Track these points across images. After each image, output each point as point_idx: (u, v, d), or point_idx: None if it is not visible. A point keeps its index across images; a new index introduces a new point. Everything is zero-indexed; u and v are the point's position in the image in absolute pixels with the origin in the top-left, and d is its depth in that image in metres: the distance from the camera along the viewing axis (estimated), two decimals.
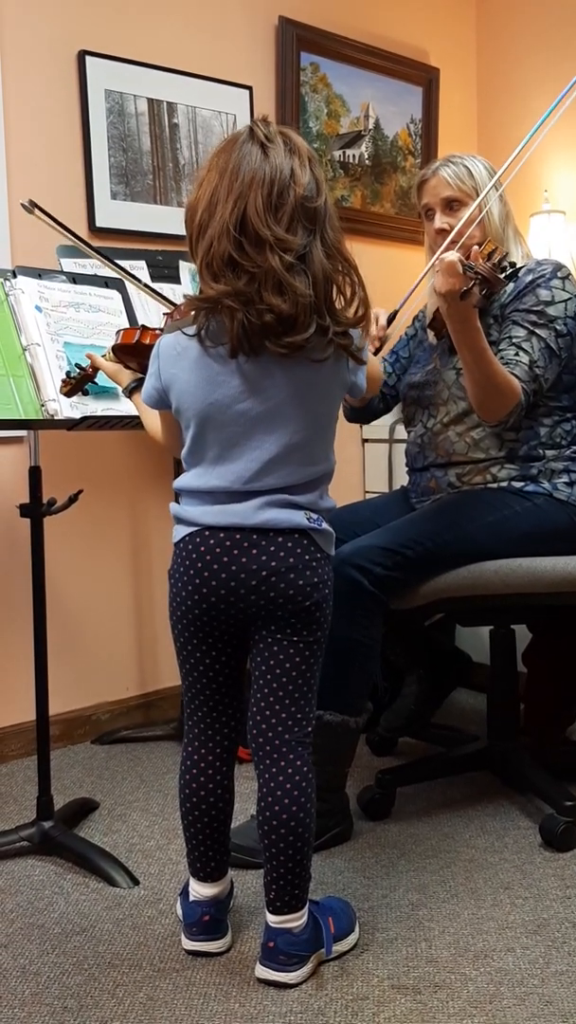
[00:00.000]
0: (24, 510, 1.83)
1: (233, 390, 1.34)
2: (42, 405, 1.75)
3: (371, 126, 2.99)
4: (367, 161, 3.00)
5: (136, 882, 1.74)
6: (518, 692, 2.15)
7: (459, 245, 1.84)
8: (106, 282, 2.05)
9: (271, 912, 1.43)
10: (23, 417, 1.74)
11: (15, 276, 1.85)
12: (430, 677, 2.38)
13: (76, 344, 1.87)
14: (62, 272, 2.01)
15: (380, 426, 2.87)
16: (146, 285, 2.05)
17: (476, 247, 1.68)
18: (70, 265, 2.14)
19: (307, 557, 1.39)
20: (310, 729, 1.45)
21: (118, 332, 1.63)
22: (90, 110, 2.40)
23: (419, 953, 1.50)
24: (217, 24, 2.64)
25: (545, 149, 3.04)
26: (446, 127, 3.18)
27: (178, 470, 1.48)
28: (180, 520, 1.43)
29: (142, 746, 2.45)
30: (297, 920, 1.43)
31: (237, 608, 1.39)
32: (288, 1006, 1.37)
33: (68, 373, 1.76)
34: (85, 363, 1.73)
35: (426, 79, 3.09)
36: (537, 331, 1.88)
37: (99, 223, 2.44)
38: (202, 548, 1.38)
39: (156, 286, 2.21)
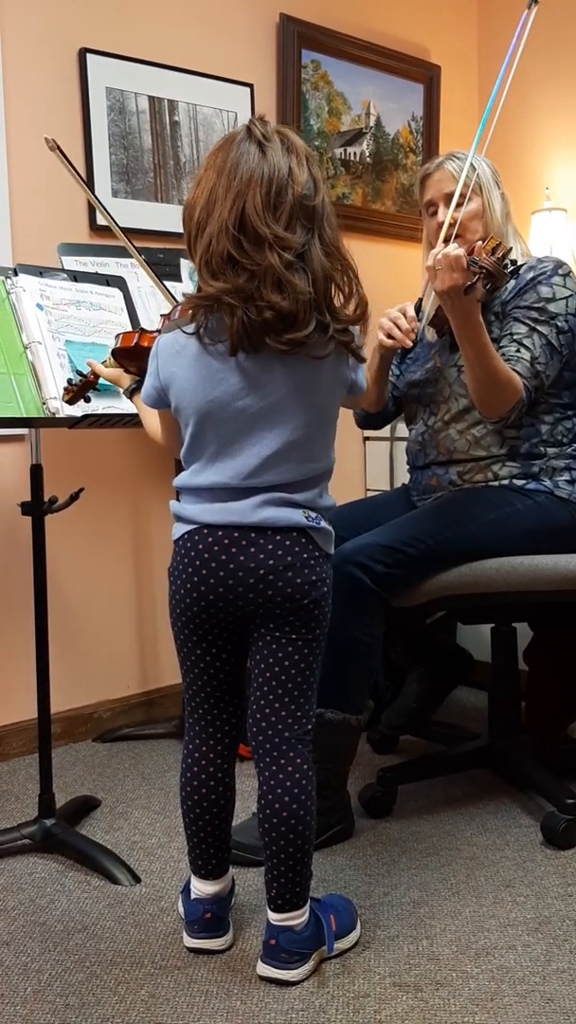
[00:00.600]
0: (25, 508, 1.83)
1: (232, 387, 1.34)
2: (43, 403, 1.75)
3: (372, 124, 2.99)
4: (368, 159, 2.99)
5: (138, 880, 1.75)
6: (519, 690, 2.15)
7: (453, 238, 1.83)
8: (107, 280, 2.05)
9: (272, 910, 1.44)
10: (24, 415, 1.74)
11: (16, 274, 1.85)
12: (431, 675, 2.38)
13: (77, 342, 1.87)
14: (63, 270, 2.01)
15: None
16: (151, 268, 2.04)
17: (480, 242, 1.68)
18: (71, 263, 2.14)
19: (305, 555, 1.39)
20: (310, 727, 1.45)
21: (117, 336, 1.64)
22: (91, 108, 2.40)
23: (420, 951, 1.50)
24: (218, 22, 2.63)
25: (546, 147, 3.04)
26: (447, 125, 3.17)
27: (179, 468, 1.48)
28: (179, 518, 1.43)
29: (143, 744, 2.45)
30: (298, 918, 1.43)
31: (236, 606, 1.39)
32: (289, 1004, 1.38)
33: (69, 380, 1.77)
34: (85, 366, 1.73)
35: (427, 76, 3.09)
36: (538, 328, 1.88)
37: (100, 221, 2.43)
38: (200, 546, 1.39)
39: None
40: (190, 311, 1.34)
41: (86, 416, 1.78)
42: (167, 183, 2.56)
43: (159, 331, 1.46)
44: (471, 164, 1.93)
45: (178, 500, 1.45)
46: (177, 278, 2.26)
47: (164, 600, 2.57)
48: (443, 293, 1.68)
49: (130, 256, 2.11)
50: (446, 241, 1.83)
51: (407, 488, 2.18)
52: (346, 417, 1.50)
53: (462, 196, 1.91)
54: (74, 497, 1.85)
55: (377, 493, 2.65)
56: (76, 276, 1.99)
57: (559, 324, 1.89)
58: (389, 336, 1.91)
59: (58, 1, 2.34)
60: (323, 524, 1.43)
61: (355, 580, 1.77)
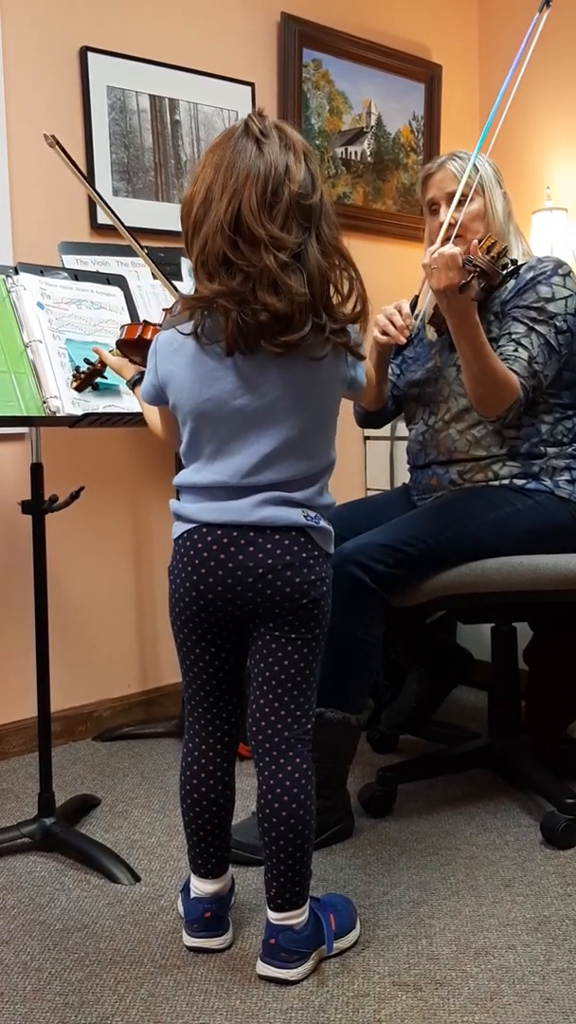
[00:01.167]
0: (26, 507, 1.83)
1: (229, 387, 1.34)
2: (44, 402, 1.75)
3: (373, 123, 2.99)
4: (369, 158, 2.99)
5: (137, 879, 1.75)
6: (519, 690, 2.15)
7: (454, 239, 1.83)
8: (108, 279, 2.05)
9: (272, 909, 1.44)
10: (25, 414, 1.74)
11: (17, 273, 1.85)
12: (431, 675, 2.38)
13: (78, 341, 1.87)
14: (64, 269, 2.01)
15: None
16: (156, 263, 2.04)
17: (476, 241, 1.68)
18: (72, 262, 2.14)
19: (304, 555, 1.39)
20: (310, 726, 1.45)
21: (122, 327, 1.66)
22: (92, 106, 2.40)
23: (420, 950, 1.50)
24: (219, 20, 2.63)
25: (547, 146, 3.04)
26: (448, 124, 3.17)
27: (179, 467, 1.48)
28: (179, 517, 1.43)
29: (143, 743, 2.45)
30: (298, 917, 1.43)
31: (235, 605, 1.39)
32: (289, 1003, 1.38)
33: (78, 368, 1.79)
34: (92, 357, 1.77)
35: (428, 76, 3.09)
36: (537, 327, 1.88)
37: (100, 220, 2.43)
38: (200, 545, 1.39)
39: (158, 283, 2.21)
40: (187, 311, 1.34)
41: (86, 415, 1.78)
42: (168, 182, 2.56)
43: (161, 324, 1.46)
44: (473, 165, 1.93)
45: (178, 499, 1.46)
46: (178, 277, 2.26)
47: (164, 599, 2.57)
48: (439, 292, 1.68)
49: (133, 254, 2.11)
50: (446, 241, 1.83)
51: (407, 488, 2.18)
52: (346, 416, 1.50)
53: (464, 196, 1.91)
54: (74, 496, 1.85)
55: (377, 493, 2.64)
56: (77, 275, 1.99)
57: (558, 324, 1.89)
58: (384, 332, 1.92)
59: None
60: (322, 523, 1.42)
61: (355, 579, 1.77)
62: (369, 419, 2.20)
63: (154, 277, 2.03)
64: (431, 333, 2.06)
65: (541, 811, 1.93)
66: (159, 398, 1.44)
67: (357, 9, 2.92)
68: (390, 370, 2.10)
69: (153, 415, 1.53)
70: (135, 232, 2.43)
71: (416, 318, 2.02)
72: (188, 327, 1.34)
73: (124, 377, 1.66)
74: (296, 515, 1.39)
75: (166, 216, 2.53)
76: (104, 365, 1.73)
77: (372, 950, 1.50)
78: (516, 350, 1.86)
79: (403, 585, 1.83)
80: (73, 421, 1.78)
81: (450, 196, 1.93)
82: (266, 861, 1.44)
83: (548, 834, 1.85)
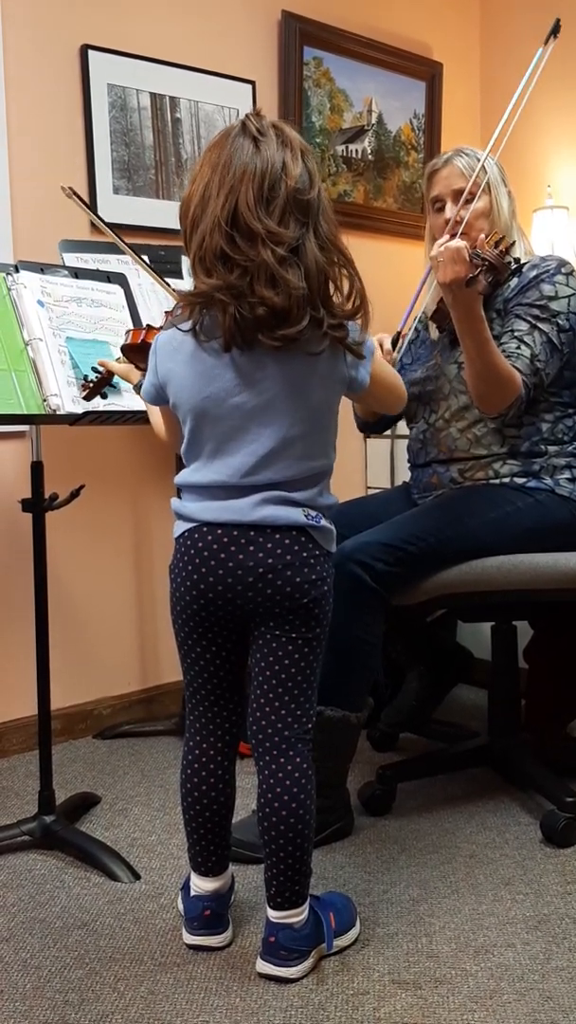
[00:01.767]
0: (26, 505, 1.83)
1: (227, 384, 1.34)
2: (44, 400, 1.75)
3: (374, 121, 2.99)
4: (370, 156, 2.99)
5: (137, 877, 1.75)
6: (519, 688, 2.15)
7: (459, 236, 1.83)
8: (108, 277, 2.05)
9: (272, 907, 1.44)
10: (25, 412, 1.74)
11: (17, 271, 1.85)
12: (431, 673, 2.38)
13: (78, 339, 1.87)
14: (64, 267, 2.00)
15: None
16: (153, 265, 2.05)
17: (482, 236, 1.68)
18: (72, 260, 2.14)
19: (305, 554, 1.39)
20: (310, 725, 1.45)
21: (127, 332, 1.67)
22: (92, 105, 2.40)
23: (420, 948, 1.50)
24: (220, 19, 2.63)
25: (548, 145, 3.04)
26: (449, 122, 3.17)
27: (180, 465, 1.48)
28: (180, 516, 1.43)
29: (143, 741, 2.45)
30: (298, 915, 1.43)
31: (236, 604, 1.39)
32: (289, 1001, 1.38)
33: (86, 377, 1.79)
34: (89, 363, 1.77)
35: (429, 74, 3.08)
36: (539, 325, 1.88)
37: (101, 217, 2.43)
38: (200, 544, 1.39)
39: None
40: (187, 309, 1.34)
41: (87, 413, 1.78)
42: (168, 180, 2.56)
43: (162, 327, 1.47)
44: (479, 161, 1.93)
45: (179, 498, 1.46)
46: (178, 275, 2.26)
47: (165, 597, 2.57)
48: (445, 285, 1.68)
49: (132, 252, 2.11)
50: (453, 238, 1.83)
51: (408, 486, 2.18)
52: (346, 415, 1.50)
53: (471, 194, 1.91)
54: (75, 494, 1.85)
55: (378, 491, 2.65)
56: (77, 273, 1.99)
57: (560, 322, 1.89)
58: None
59: None
60: (323, 523, 1.42)
61: (355, 578, 1.77)
62: (368, 426, 2.21)
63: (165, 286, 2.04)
64: (433, 331, 2.06)
65: (541, 809, 1.93)
66: (160, 398, 1.44)
67: (358, 7, 2.91)
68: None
69: (157, 416, 1.54)
70: (136, 231, 2.44)
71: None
72: (187, 324, 1.34)
73: (132, 382, 1.67)
74: (296, 514, 1.38)
75: (167, 214, 2.52)
76: (112, 374, 1.74)
77: (372, 948, 1.51)
78: (519, 347, 1.86)
79: (403, 583, 1.83)
80: (73, 419, 1.78)
81: (455, 193, 1.93)
82: (266, 859, 1.44)
83: (548, 832, 1.85)
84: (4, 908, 1.65)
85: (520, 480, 1.94)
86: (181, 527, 1.42)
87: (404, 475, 2.27)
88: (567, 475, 1.96)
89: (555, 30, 1.77)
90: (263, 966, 1.43)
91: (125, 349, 1.67)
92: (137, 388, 1.63)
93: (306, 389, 1.36)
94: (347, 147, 2.94)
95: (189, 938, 1.51)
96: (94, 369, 1.79)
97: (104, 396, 1.79)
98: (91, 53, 2.38)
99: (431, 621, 2.43)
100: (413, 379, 2.09)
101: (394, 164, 3.06)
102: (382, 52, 2.94)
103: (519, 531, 1.88)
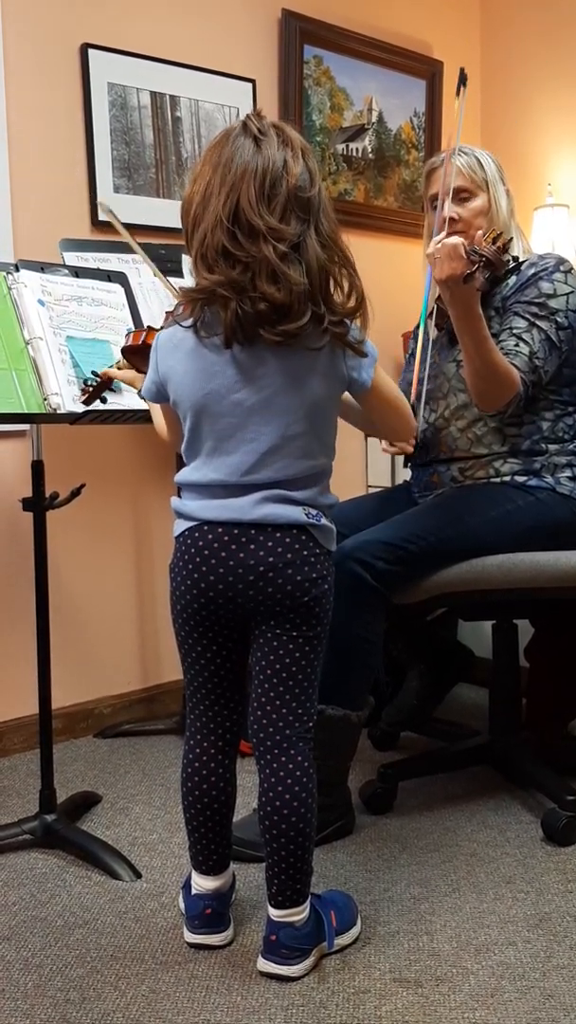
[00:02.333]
0: (27, 504, 1.83)
1: (228, 380, 1.35)
2: (44, 399, 1.75)
3: (374, 119, 2.98)
4: (370, 155, 2.99)
5: (138, 875, 1.75)
6: (520, 687, 2.15)
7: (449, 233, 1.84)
8: (109, 276, 2.05)
9: (273, 906, 1.44)
10: (26, 411, 1.74)
11: (18, 270, 1.85)
12: (432, 672, 2.38)
13: (79, 338, 1.87)
14: (65, 266, 2.00)
15: None
16: (159, 260, 2.06)
17: (479, 232, 1.68)
18: (73, 259, 2.13)
19: (305, 553, 1.39)
20: (311, 724, 1.45)
21: (128, 334, 1.68)
22: (93, 103, 2.40)
23: (421, 947, 1.50)
24: (220, 17, 2.63)
25: (549, 143, 3.04)
26: (449, 120, 3.16)
27: (180, 464, 1.48)
28: (180, 515, 1.43)
29: (144, 740, 2.45)
30: (299, 914, 1.43)
31: (236, 603, 1.39)
32: (290, 999, 1.38)
33: (85, 381, 1.79)
34: (89, 364, 1.78)
35: (429, 72, 3.08)
36: (538, 323, 1.88)
37: (102, 217, 2.43)
38: (201, 543, 1.39)
39: (158, 280, 2.20)
40: (188, 306, 1.34)
41: (87, 412, 1.78)
42: (169, 179, 2.56)
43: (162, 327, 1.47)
44: (478, 159, 1.93)
45: (179, 496, 1.46)
46: (179, 274, 2.26)
47: (165, 596, 2.57)
48: (442, 282, 1.68)
49: (133, 251, 2.11)
50: (450, 235, 1.83)
51: (408, 485, 2.18)
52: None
53: (464, 190, 1.93)
54: (75, 493, 1.85)
55: (378, 490, 2.64)
56: (78, 272, 1.99)
57: (559, 320, 1.88)
58: (392, 444, 2.07)
59: None
60: (324, 521, 1.42)
61: (356, 577, 1.77)
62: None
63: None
64: (432, 330, 2.06)
65: (542, 808, 1.93)
66: (160, 395, 1.44)
67: (358, 5, 2.91)
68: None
69: (158, 415, 1.54)
70: (136, 229, 2.44)
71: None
72: (188, 321, 1.35)
73: (136, 388, 1.66)
74: (297, 513, 1.38)
75: (167, 212, 2.52)
76: (111, 379, 1.74)
77: (373, 947, 1.51)
78: (517, 345, 1.86)
79: (404, 582, 1.83)
80: (74, 418, 1.78)
81: (454, 191, 1.93)
82: (267, 858, 1.44)
83: (549, 831, 1.85)
84: (5, 907, 1.65)
85: (521, 479, 1.94)
86: (181, 526, 1.42)
87: (404, 474, 2.27)
88: (568, 473, 1.96)
89: (462, 80, 1.85)
90: (264, 964, 1.43)
91: (125, 351, 1.67)
92: (140, 393, 1.63)
93: (306, 386, 1.36)
94: (347, 146, 2.93)
95: (190, 937, 1.52)
96: (94, 373, 1.79)
97: (104, 401, 1.79)
98: (91, 52, 2.38)
99: (432, 620, 2.43)
100: (411, 380, 2.10)
101: (394, 163, 3.05)
102: (382, 51, 2.94)
103: (520, 530, 1.88)
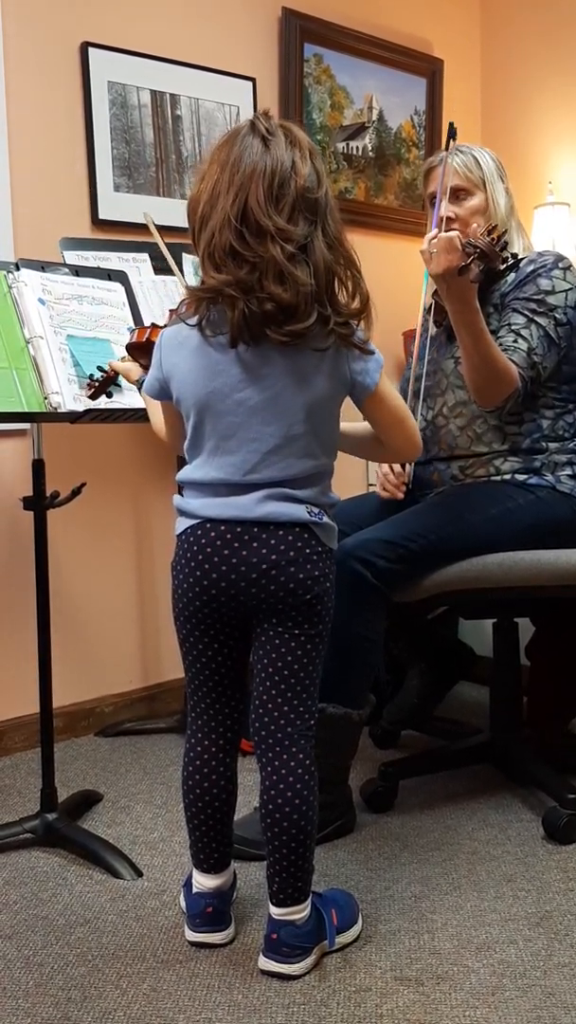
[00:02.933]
0: (27, 503, 1.83)
1: (232, 379, 1.35)
2: (45, 398, 1.75)
3: (375, 118, 2.98)
4: (371, 153, 2.99)
5: (139, 874, 1.75)
6: (520, 686, 2.15)
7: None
8: (109, 275, 2.04)
9: (274, 904, 1.44)
10: (26, 410, 1.74)
11: (18, 268, 1.85)
12: (433, 670, 2.38)
13: (79, 337, 1.87)
14: (65, 264, 2.00)
15: None
16: (154, 262, 2.07)
17: (475, 226, 1.68)
18: (73, 258, 2.13)
19: (308, 551, 1.39)
20: (312, 722, 1.45)
21: (131, 331, 1.68)
22: (93, 102, 2.40)
23: (422, 945, 1.50)
24: (220, 16, 2.63)
25: (549, 141, 3.04)
26: (450, 119, 3.15)
27: (181, 463, 1.48)
28: (182, 512, 1.43)
29: (145, 739, 2.45)
30: (300, 912, 1.44)
31: (238, 601, 1.39)
32: (291, 997, 1.38)
33: (91, 376, 1.80)
34: (90, 362, 1.78)
35: (430, 70, 3.08)
36: (536, 319, 1.88)
37: (102, 215, 2.43)
38: (203, 541, 1.39)
39: (159, 279, 2.21)
40: (194, 304, 1.34)
41: (88, 411, 1.78)
42: (169, 177, 2.56)
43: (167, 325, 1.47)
44: (475, 158, 1.93)
45: (181, 495, 1.46)
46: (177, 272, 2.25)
47: (166, 595, 2.57)
48: (438, 276, 1.68)
49: (134, 250, 2.12)
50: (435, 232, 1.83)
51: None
52: (348, 410, 1.49)
53: (461, 189, 1.94)
54: (76, 492, 1.85)
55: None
56: (78, 270, 1.99)
57: (558, 316, 1.88)
58: (384, 489, 2.06)
59: None
60: (326, 520, 1.42)
61: (357, 575, 1.77)
62: None
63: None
64: (431, 327, 2.06)
65: (543, 806, 1.93)
66: (163, 392, 1.44)
67: (358, 4, 2.91)
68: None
69: (157, 414, 1.53)
70: (137, 228, 2.44)
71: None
72: (193, 320, 1.35)
73: (131, 380, 1.67)
74: (300, 511, 1.39)
75: (167, 211, 2.52)
76: (117, 373, 1.74)
77: (374, 945, 1.51)
78: (516, 341, 1.86)
79: (405, 581, 1.83)
80: (74, 417, 1.78)
81: (452, 190, 1.93)
82: (268, 856, 1.44)
83: (550, 829, 1.85)
84: (7, 905, 1.65)
85: (521, 477, 1.94)
86: (184, 524, 1.42)
87: None
88: (568, 471, 1.96)
89: (452, 134, 1.87)
90: (265, 963, 1.43)
91: (130, 347, 1.67)
92: (138, 385, 1.63)
93: (310, 386, 1.36)
94: (348, 144, 2.93)
95: (191, 935, 1.52)
96: (99, 368, 1.79)
97: (109, 395, 1.80)
98: (91, 50, 2.38)
99: (432, 618, 2.43)
100: (409, 377, 2.10)
101: (395, 161, 3.05)
102: (383, 49, 2.94)
103: (520, 528, 1.88)
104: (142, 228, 2.43)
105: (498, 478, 1.95)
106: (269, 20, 2.73)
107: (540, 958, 1.46)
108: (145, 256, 2.24)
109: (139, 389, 1.64)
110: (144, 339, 1.63)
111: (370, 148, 2.99)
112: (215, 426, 1.37)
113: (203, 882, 1.52)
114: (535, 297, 1.89)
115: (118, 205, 2.46)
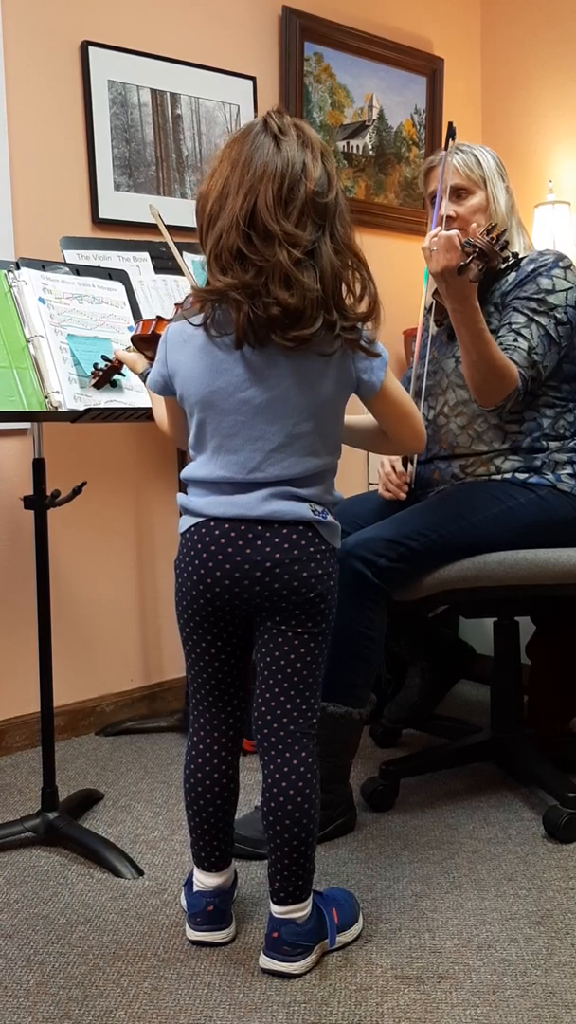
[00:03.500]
0: (28, 502, 1.83)
1: (236, 378, 1.35)
2: (46, 397, 1.75)
3: (375, 116, 2.98)
4: (371, 152, 2.99)
5: (140, 873, 1.75)
6: (521, 684, 2.15)
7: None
8: (109, 273, 2.04)
9: (275, 902, 1.44)
10: (27, 409, 1.74)
11: (18, 268, 1.85)
12: (434, 669, 2.38)
13: (80, 336, 1.87)
14: (65, 264, 2.00)
15: None
16: (154, 261, 2.08)
17: (473, 225, 1.68)
18: (73, 256, 2.13)
19: (311, 549, 1.39)
20: (314, 720, 1.45)
21: (137, 323, 1.71)
22: (93, 101, 2.40)
23: (423, 944, 1.51)
24: (221, 14, 2.63)
25: (550, 140, 3.04)
26: (450, 117, 3.15)
27: (182, 461, 1.48)
28: (186, 511, 1.43)
29: (146, 737, 2.45)
30: (301, 911, 1.44)
31: (241, 599, 1.39)
32: (292, 996, 1.38)
33: (95, 365, 1.82)
34: (108, 353, 1.80)
35: (430, 69, 3.08)
36: (537, 318, 1.88)
37: (102, 214, 2.43)
38: (207, 539, 1.39)
39: (159, 278, 2.21)
40: (198, 304, 1.34)
41: (89, 410, 1.78)
42: (169, 176, 2.56)
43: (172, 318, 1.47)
44: (476, 157, 1.93)
45: (185, 493, 1.46)
46: (179, 271, 2.25)
47: (167, 594, 2.57)
48: (438, 275, 1.68)
49: (134, 249, 2.11)
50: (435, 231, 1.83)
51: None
52: (351, 411, 1.50)
53: (461, 188, 1.93)
54: (77, 491, 1.85)
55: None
56: (78, 269, 1.99)
57: (558, 315, 1.88)
58: (386, 489, 2.05)
59: None
60: (329, 518, 1.43)
61: (358, 574, 1.77)
62: None
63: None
64: (431, 326, 2.06)
65: (543, 805, 1.93)
66: (166, 388, 1.44)
67: (359, 2, 2.91)
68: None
69: (161, 409, 1.54)
70: (138, 227, 2.44)
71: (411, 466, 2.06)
72: (198, 319, 1.34)
73: (136, 371, 1.68)
74: (304, 509, 1.39)
75: (167, 210, 2.51)
76: (121, 363, 1.75)
77: (374, 944, 1.51)
78: (516, 340, 1.86)
79: (405, 579, 1.83)
80: (75, 416, 1.78)
81: (452, 189, 1.93)
82: (269, 855, 1.44)
83: (550, 828, 1.85)
84: (8, 904, 1.65)
85: (522, 476, 1.94)
86: (187, 522, 1.42)
87: None
88: (568, 470, 1.96)
89: (451, 134, 1.86)
90: (266, 962, 1.43)
91: (135, 339, 1.69)
92: (143, 377, 1.64)
93: (315, 387, 1.36)
94: (348, 143, 2.93)
95: (192, 934, 1.52)
96: (104, 357, 1.81)
97: (114, 384, 1.81)
98: (91, 49, 2.38)
99: (433, 617, 2.43)
100: (410, 376, 2.10)
101: (395, 160, 3.05)
102: (383, 47, 2.94)
103: (521, 526, 1.88)
104: (143, 227, 2.44)
105: (499, 477, 1.95)
106: (269, 19, 2.73)
107: (541, 957, 1.47)
108: (145, 255, 2.24)
109: (143, 380, 1.64)
110: (150, 332, 1.64)
111: (370, 147, 2.98)
112: (219, 424, 1.37)
113: (204, 881, 1.52)
114: (535, 296, 1.89)
115: (118, 204, 2.46)
